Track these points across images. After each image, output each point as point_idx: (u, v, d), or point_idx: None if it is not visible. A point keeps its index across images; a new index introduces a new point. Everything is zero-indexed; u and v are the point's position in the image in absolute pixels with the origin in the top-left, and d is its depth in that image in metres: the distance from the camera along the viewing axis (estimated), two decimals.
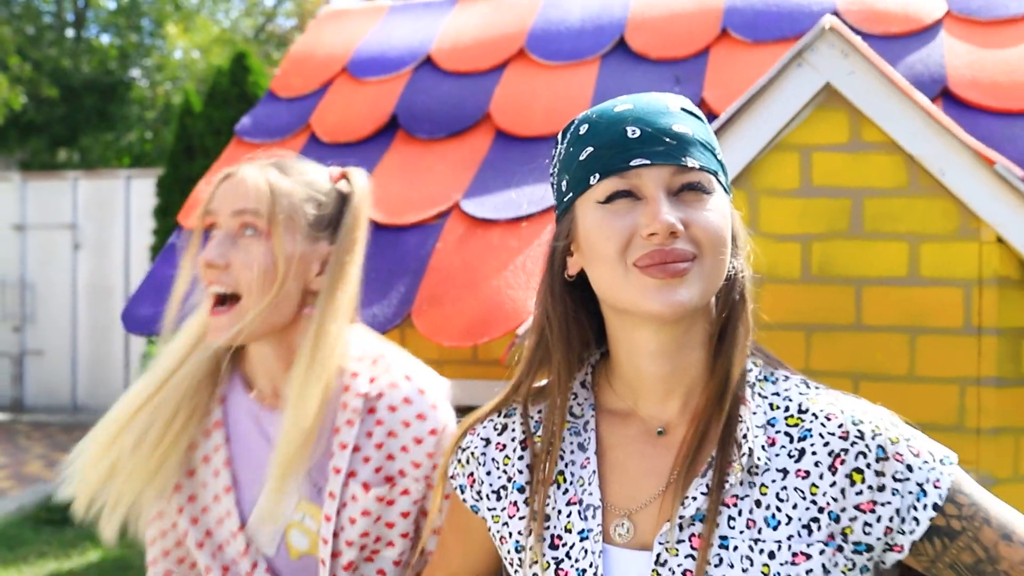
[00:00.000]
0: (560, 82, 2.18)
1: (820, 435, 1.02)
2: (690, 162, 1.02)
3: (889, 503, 1.00)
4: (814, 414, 1.03)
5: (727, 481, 1.01)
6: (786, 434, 1.03)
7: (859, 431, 1.01)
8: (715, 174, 1.04)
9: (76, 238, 10.40)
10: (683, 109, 1.06)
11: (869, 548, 1.00)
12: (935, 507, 1.00)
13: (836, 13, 2.09)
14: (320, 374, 1.33)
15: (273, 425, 1.39)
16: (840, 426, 1.02)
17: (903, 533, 1.00)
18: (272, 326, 1.34)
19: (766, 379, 1.07)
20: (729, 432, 1.02)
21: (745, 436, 1.01)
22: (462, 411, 1.59)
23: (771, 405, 1.05)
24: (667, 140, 1.03)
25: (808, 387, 1.07)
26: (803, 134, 1.54)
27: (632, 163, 1.02)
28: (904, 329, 1.50)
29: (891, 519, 1.00)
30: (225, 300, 1.33)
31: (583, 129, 1.08)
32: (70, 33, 15.88)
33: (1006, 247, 1.45)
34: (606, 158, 1.04)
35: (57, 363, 10.46)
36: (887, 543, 1.00)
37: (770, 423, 1.04)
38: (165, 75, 14.77)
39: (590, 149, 1.06)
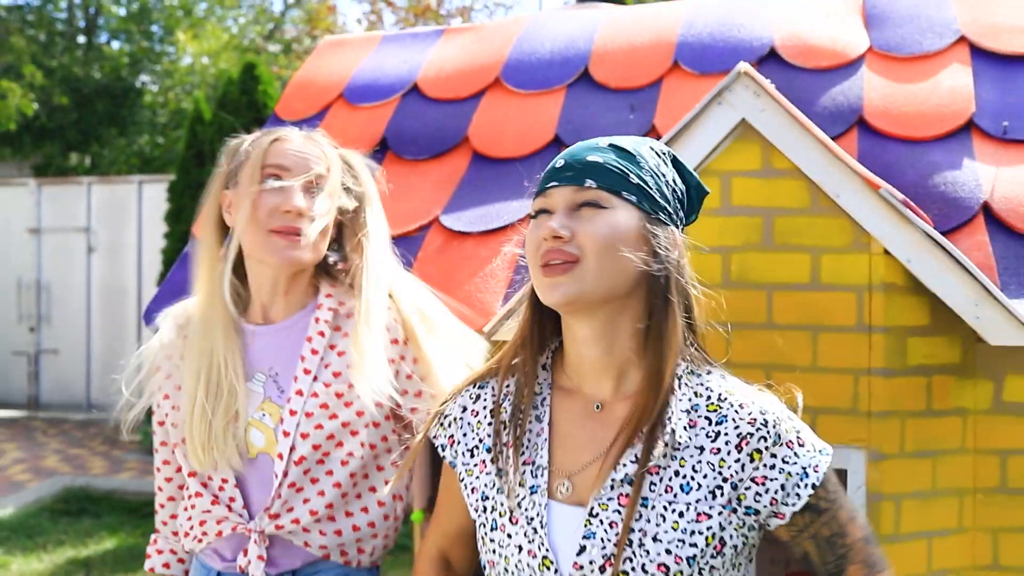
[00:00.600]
0: (530, 109, 2.46)
1: (733, 420, 1.30)
2: (588, 183, 1.30)
3: (777, 479, 1.28)
4: (730, 403, 1.31)
5: (653, 454, 1.28)
6: (706, 418, 1.31)
7: (764, 420, 1.29)
8: (618, 193, 1.31)
9: (90, 241, 10.58)
10: (612, 146, 1.34)
11: (757, 513, 1.28)
12: (812, 487, 1.29)
13: (773, 48, 2.35)
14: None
15: (264, 337, 1.75)
16: (750, 414, 1.30)
17: (786, 505, 1.28)
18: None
19: (693, 372, 1.35)
20: (659, 415, 1.30)
21: (670, 419, 1.29)
22: None
23: (695, 393, 1.33)
24: (576, 167, 1.31)
25: (726, 380, 1.35)
26: (723, 162, 1.81)
27: (548, 185, 1.32)
28: (807, 327, 1.77)
29: (777, 492, 1.28)
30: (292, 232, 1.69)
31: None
32: (81, 40, 16.10)
33: (891, 258, 1.72)
34: (540, 183, 1.34)
35: (72, 362, 10.64)
36: (772, 511, 1.29)
37: (693, 408, 1.32)
38: (175, 81, 14.98)
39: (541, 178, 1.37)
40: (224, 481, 1.71)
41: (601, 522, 1.28)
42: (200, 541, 1.75)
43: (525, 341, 1.40)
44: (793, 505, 1.29)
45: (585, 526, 1.28)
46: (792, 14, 2.44)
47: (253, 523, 1.69)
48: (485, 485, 1.38)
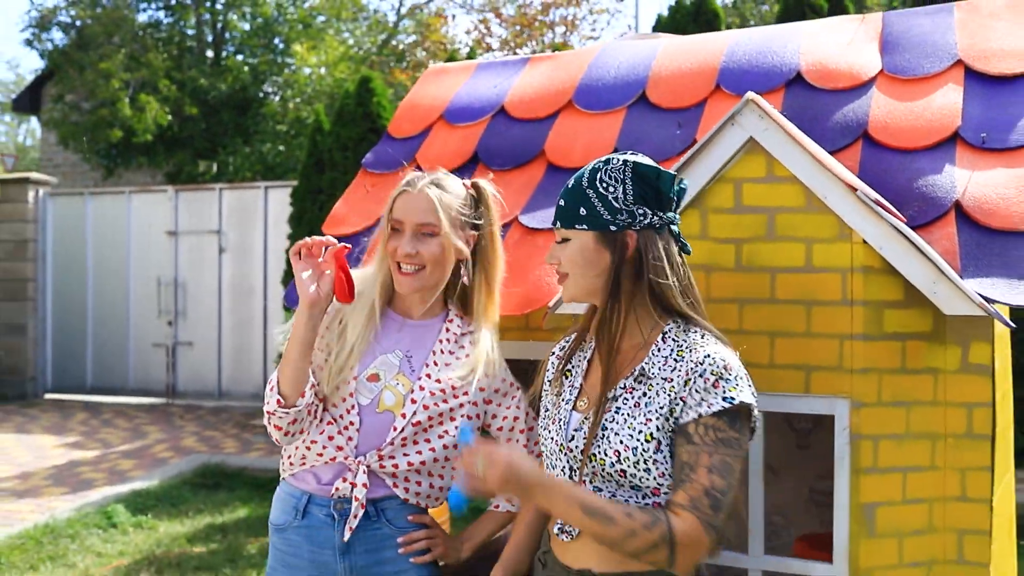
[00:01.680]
0: (596, 126, 2.96)
1: (689, 361, 1.86)
2: (557, 224, 1.97)
3: (690, 402, 1.83)
4: (691, 350, 1.87)
5: (623, 382, 1.89)
6: (675, 359, 1.87)
7: (703, 361, 1.85)
8: (572, 227, 1.93)
9: (221, 242, 11.32)
10: (569, 189, 1.97)
11: (677, 421, 1.84)
12: (695, 418, 1.82)
13: (799, 72, 2.79)
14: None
15: (406, 328, 2.35)
16: (697, 358, 1.85)
17: (678, 421, 1.84)
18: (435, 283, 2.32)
19: (684, 331, 1.91)
20: (637, 362, 1.91)
21: (647, 360, 1.88)
22: (514, 362, 2.40)
23: (678, 346, 1.89)
24: (555, 212, 1.98)
25: (703, 338, 1.89)
26: (735, 171, 2.28)
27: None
28: (803, 302, 2.23)
29: (683, 412, 1.84)
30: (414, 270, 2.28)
31: None
32: (209, 54, 17.03)
33: (868, 246, 2.17)
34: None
35: (205, 353, 11.40)
36: (680, 424, 1.83)
37: (671, 354, 1.89)
38: (295, 91, 15.72)
39: None
40: (350, 423, 2.26)
41: (586, 420, 1.91)
42: (304, 463, 2.30)
43: (585, 315, 2.06)
44: (680, 422, 1.83)
45: (581, 424, 1.91)
46: (818, 43, 2.88)
47: (363, 458, 2.25)
48: (548, 400, 2.04)
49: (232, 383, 11.07)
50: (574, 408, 1.96)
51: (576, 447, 1.90)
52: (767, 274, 2.26)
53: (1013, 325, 2.20)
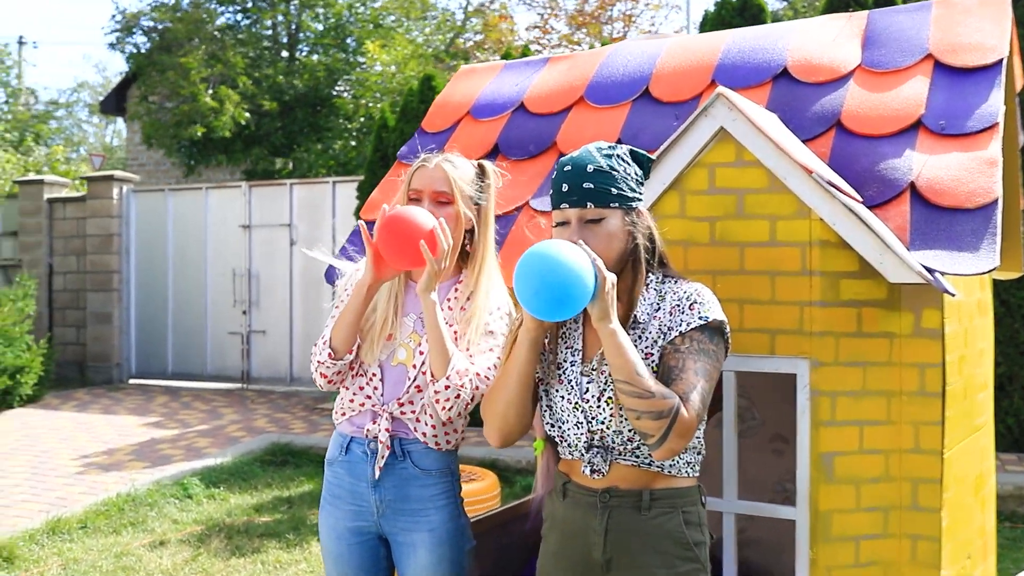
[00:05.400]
0: (604, 119, 3.26)
1: (670, 298, 2.20)
2: (588, 205, 2.16)
3: (674, 323, 2.17)
4: (673, 291, 2.21)
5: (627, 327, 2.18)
6: (659, 300, 2.21)
7: (687, 296, 2.19)
8: (607, 206, 2.18)
9: (292, 235, 11.74)
10: (597, 171, 2.19)
11: (669, 341, 2.15)
12: (680, 333, 2.14)
13: (786, 68, 3.06)
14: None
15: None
16: (677, 293, 2.19)
17: (666, 336, 2.17)
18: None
19: (664, 281, 2.23)
20: (630, 311, 2.19)
21: (637, 310, 2.19)
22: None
23: (659, 293, 2.21)
24: (579, 193, 2.20)
25: (682, 283, 2.21)
26: (708, 157, 2.57)
27: (561, 206, 2.19)
28: (768, 272, 2.50)
29: (669, 331, 2.17)
30: None
31: (556, 171, 2.23)
32: (284, 55, 17.57)
33: (824, 223, 2.44)
34: (554, 199, 2.21)
35: (277, 341, 11.79)
36: (667, 340, 2.16)
37: (657, 297, 2.20)
38: (366, 89, 16.12)
39: (551, 190, 2.23)
40: (373, 375, 2.62)
41: (593, 373, 2.20)
42: (344, 415, 2.68)
43: None
44: (667, 339, 2.17)
45: (588, 382, 2.20)
46: (806, 40, 3.14)
47: (386, 405, 2.60)
48: (544, 359, 2.33)
49: (302, 369, 11.46)
50: (582, 372, 2.25)
51: (592, 397, 2.20)
52: (737, 248, 2.54)
53: (955, 293, 2.44)
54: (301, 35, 17.75)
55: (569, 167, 2.22)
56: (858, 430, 2.51)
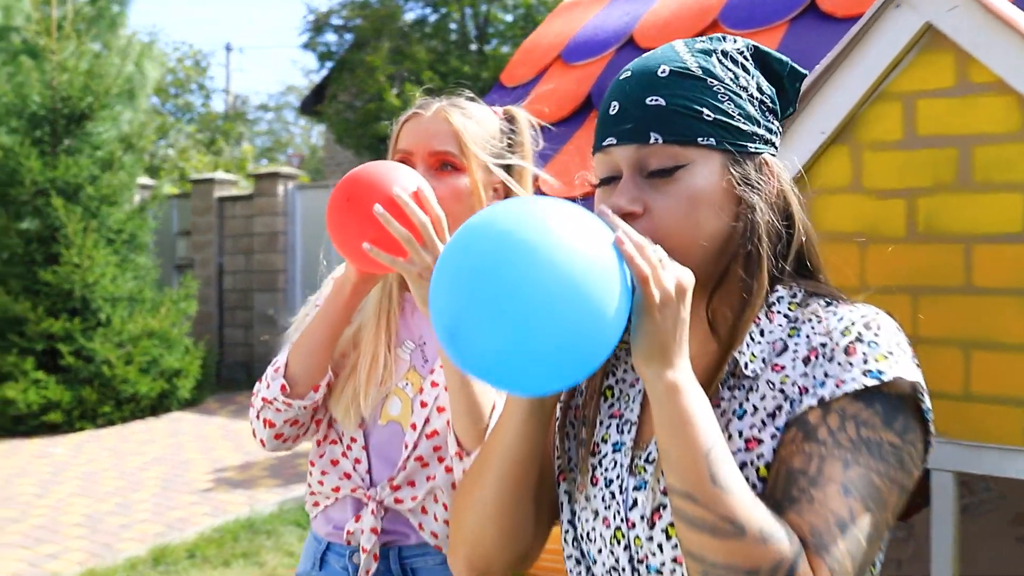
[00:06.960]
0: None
1: (807, 335, 1.03)
2: (653, 137, 1.04)
3: (818, 381, 1.00)
4: (822, 321, 1.04)
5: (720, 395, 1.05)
6: (791, 336, 1.05)
7: (846, 330, 1.01)
8: (692, 142, 1.04)
9: None
10: (675, 72, 1.07)
11: (797, 417, 1.00)
12: (821, 400, 0.98)
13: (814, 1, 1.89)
14: None
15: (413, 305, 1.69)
16: (826, 327, 1.02)
17: (799, 405, 1.00)
18: None
19: (805, 302, 1.08)
20: (727, 353, 1.05)
21: (741, 352, 1.04)
22: None
23: (795, 324, 1.06)
24: (635, 115, 1.07)
25: (842, 308, 1.05)
26: (905, 81, 1.41)
27: (604, 143, 1.08)
28: (1021, 292, 1.33)
29: (807, 396, 1.00)
30: None
31: (610, 87, 1.14)
32: (472, 48, 17.18)
33: None
34: (597, 134, 1.10)
35: None
36: (795, 415, 1.01)
37: (788, 335, 1.05)
38: None
39: (598, 119, 1.12)
40: (353, 440, 1.63)
41: (654, 488, 1.05)
42: (317, 505, 1.71)
43: None
44: (795, 411, 1.00)
45: (645, 495, 1.07)
46: None
47: (373, 491, 1.60)
48: (567, 436, 1.21)
49: None
50: (631, 470, 1.10)
51: (641, 517, 1.05)
52: (959, 246, 1.38)
53: None
54: (490, 28, 17.30)
55: (628, 73, 1.10)
56: None
